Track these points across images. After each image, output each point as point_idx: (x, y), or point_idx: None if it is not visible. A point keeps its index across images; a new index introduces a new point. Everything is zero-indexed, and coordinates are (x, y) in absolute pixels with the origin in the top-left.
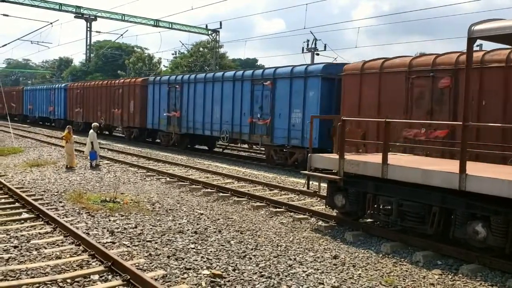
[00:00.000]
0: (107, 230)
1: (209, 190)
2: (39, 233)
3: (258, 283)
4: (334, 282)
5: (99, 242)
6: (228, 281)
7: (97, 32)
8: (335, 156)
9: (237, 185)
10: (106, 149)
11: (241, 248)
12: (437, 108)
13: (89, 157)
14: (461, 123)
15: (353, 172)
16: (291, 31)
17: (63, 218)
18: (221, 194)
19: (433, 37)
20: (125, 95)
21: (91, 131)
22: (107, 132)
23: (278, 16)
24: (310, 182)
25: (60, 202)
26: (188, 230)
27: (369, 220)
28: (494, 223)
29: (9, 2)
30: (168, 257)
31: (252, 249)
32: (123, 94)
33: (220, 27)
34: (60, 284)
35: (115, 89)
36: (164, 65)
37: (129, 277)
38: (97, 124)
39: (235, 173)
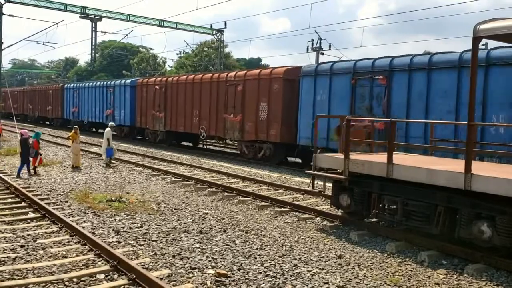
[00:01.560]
0: (113, 230)
1: (214, 189)
2: (45, 232)
3: (263, 283)
4: (339, 282)
5: (104, 242)
6: (233, 280)
7: (102, 32)
8: (340, 155)
9: (242, 185)
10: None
11: (246, 248)
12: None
13: (105, 154)
14: (457, 122)
15: (358, 172)
16: (296, 30)
17: (69, 217)
18: (226, 193)
19: (439, 36)
20: (252, 93)
21: (107, 129)
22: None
23: (283, 15)
24: (315, 182)
25: (66, 201)
26: (193, 229)
27: (374, 219)
28: (499, 223)
29: (14, 2)
30: (173, 256)
31: (257, 249)
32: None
33: (225, 27)
34: (66, 283)
35: (233, 84)
36: (169, 65)
37: (134, 276)
38: (113, 124)
39: (240, 172)
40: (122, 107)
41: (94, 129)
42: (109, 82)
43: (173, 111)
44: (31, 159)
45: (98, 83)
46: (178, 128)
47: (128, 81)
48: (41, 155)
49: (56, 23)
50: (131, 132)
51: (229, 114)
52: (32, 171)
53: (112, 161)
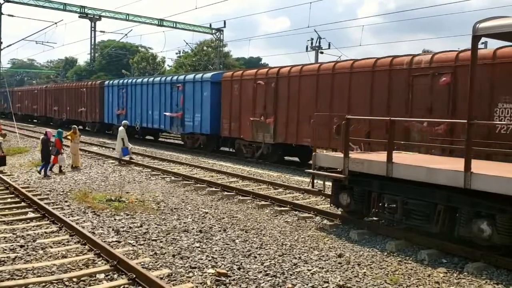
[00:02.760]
0: (113, 229)
1: (213, 189)
2: (45, 232)
3: (263, 282)
4: (339, 281)
5: (104, 241)
6: (233, 279)
7: (101, 32)
8: (340, 154)
9: (241, 184)
10: (111, 149)
11: (246, 247)
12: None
13: (122, 153)
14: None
15: (358, 171)
16: (295, 29)
17: (68, 217)
18: (225, 193)
19: (439, 35)
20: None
21: (121, 128)
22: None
23: (283, 14)
24: (315, 181)
25: (66, 201)
26: (193, 229)
27: (374, 218)
28: (499, 221)
29: (13, 2)
30: (173, 256)
31: (257, 248)
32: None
33: (224, 26)
34: (66, 283)
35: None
36: (168, 65)
37: (134, 276)
38: (127, 122)
39: (240, 172)
40: (197, 109)
41: (150, 138)
42: (176, 77)
43: (291, 116)
44: (52, 157)
45: (158, 78)
46: (300, 140)
47: (208, 75)
48: (62, 154)
49: (55, 23)
50: (210, 143)
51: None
52: (52, 170)
53: (125, 159)
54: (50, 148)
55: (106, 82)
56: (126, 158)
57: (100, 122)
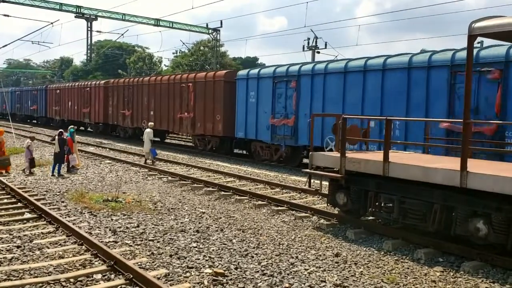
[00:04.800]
0: (110, 230)
1: (210, 189)
2: (42, 233)
3: (260, 281)
4: (336, 280)
5: (101, 242)
6: (230, 279)
7: (97, 31)
8: (336, 154)
9: (238, 184)
10: (108, 149)
11: (243, 247)
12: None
13: (151, 154)
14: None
15: (355, 170)
16: (291, 29)
17: (65, 217)
18: (222, 192)
19: (436, 35)
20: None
21: (149, 130)
22: None
23: (280, 13)
24: (312, 181)
25: (63, 202)
26: (190, 229)
27: (370, 218)
28: (495, 220)
29: (9, 2)
30: (171, 256)
31: (254, 248)
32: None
33: (221, 26)
34: (63, 283)
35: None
36: (165, 64)
37: (131, 276)
38: (153, 124)
39: (237, 171)
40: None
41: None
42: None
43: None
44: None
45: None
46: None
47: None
48: (72, 153)
49: (51, 23)
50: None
51: None
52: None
53: (151, 160)
54: (65, 148)
55: (240, 74)
56: (152, 158)
57: (221, 136)
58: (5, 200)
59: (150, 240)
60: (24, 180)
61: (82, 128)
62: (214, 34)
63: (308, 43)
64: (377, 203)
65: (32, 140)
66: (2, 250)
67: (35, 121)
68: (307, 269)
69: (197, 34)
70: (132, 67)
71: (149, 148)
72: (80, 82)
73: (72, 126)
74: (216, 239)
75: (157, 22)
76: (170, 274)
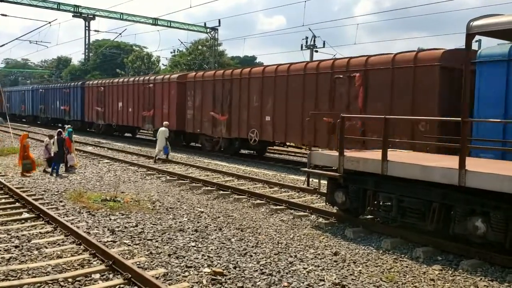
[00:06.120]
0: (108, 229)
1: (209, 188)
2: (40, 232)
3: (259, 280)
4: (335, 279)
5: (100, 241)
6: (229, 278)
7: (95, 31)
8: (335, 153)
9: (237, 183)
10: (106, 148)
11: (241, 246)
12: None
13: (163, 152)
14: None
15: (353, 169)
16: (289, 28)
17: (63, 217)
18: (221, 192)
19: (434, 33)
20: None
21: (164, 129)
22: None
23: (278, 12)
24: (310, 180)
25: (61, 201)
26: (188, 228)
27: (369, 216)
28: (493, 219)
29: (7, 1)
30: (169, 255)
31: (252, 247)
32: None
33: (219, 25)
34: (62, 283)
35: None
36: (163, 64)
37: (130, 275)
38: (168, 123)
39: (235, 171)
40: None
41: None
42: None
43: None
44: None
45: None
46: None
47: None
48: (70, 153)
49: (49, 22)
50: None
51: None
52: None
53: (161, 158)
54: (64, 147)
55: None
56: (163, 156)
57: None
58: (3, 200)
59: (148, 240)
60: (22, 180)
61: (142, 136)
62: (212, 33)
63: (307, 42)
64: (375, 202)
65: (51, 139)
66: (0, 250)
67: (67, 126)
68: (306, 268)
69: (195, 33)
70: (130, 66)
71: (163, 146)
72: (136, 77)
73: (69, 125)
74: (215, 238)
75: (155, 22)
76: (169, 274)
